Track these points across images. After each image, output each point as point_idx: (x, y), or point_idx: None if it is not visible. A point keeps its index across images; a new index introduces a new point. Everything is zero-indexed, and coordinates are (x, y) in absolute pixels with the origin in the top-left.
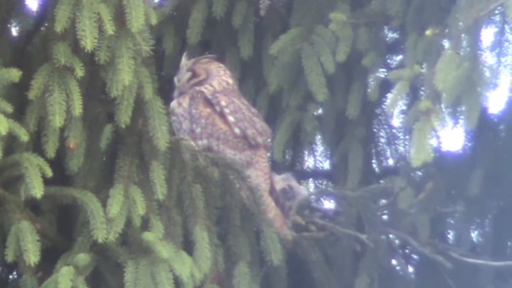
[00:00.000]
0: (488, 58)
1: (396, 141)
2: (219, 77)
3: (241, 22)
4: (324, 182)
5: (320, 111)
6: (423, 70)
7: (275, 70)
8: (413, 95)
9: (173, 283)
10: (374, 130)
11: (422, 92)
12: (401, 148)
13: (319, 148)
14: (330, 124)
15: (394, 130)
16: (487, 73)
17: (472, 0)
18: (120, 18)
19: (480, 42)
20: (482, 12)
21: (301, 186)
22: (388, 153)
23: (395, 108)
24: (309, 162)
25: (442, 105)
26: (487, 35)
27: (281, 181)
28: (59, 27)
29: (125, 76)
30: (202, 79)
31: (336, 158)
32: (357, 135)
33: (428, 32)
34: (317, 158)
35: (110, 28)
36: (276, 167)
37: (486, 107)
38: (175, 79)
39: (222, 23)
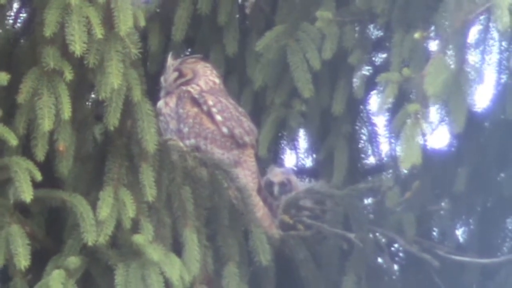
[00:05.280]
0: (472, 56)
1: (378, 139)
2: (206, 77)
3: (226, 19)
4: (307, 179)
5: (304, 107)
6: (409, 72)
7: (260, 67)
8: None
9: (163, 286)
10: (357, 127)
11: (409, 94)
12: (385, 147)
13: (302, 145)
14: (314, 121)
15: (376, 128)
16: (473, 75)
17: (460, 3)
18: (108, 21)
19: (467, 44)
20: (470, 15)
21: (300, 181)
22: (370, 151)
23: (383, 111)
24: (291, 159)
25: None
26: (472, 32)
27: (280, 174)
28: (48, 32)
29: (114, 80)
30: (189, 78)
31: (321, 155)
32: (342, 132)
33: (417, 35)
34: (300, 155)
35: (99, 32)
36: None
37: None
38: (162, 78)
39: (207, 20)
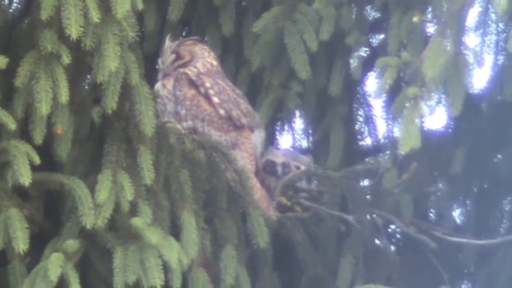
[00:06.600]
0: (472, 38)
1: (375, 120)
2: (203, 59)
3: None
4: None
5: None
6: (408, 56)
7: (257, 48)
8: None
9: (162, 269)
10: (353, 109)
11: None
12: (382, 128)
13: (299, 126)
14: (311, 102)
15: (372, 110)
16: (471, 58)
17: None
18: (105, 4)
19: (465, 27)
20: None
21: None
22: (366, 133)
23: (382, 94)
24: (288, 140)
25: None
26: (470, 15)
27: (281, 155)
28: (44, 15)
29: (111, 63)
30: (186, 61)
31: (317, 136)
32: (339, 113)
33: (415, 19)
34: (296, 136)
35: (95, 16)
36: None
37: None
38: (159, 61)
39: (204, 0)
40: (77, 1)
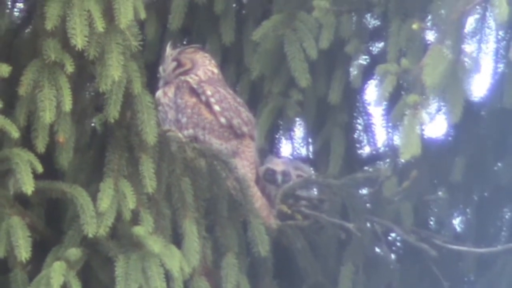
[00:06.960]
0: (469, 45)
1: (374, 129)
2: (205, 67)
3: (222, 8)
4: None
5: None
6: (407, 63)
7: (257, 56)
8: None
9: (163, 278)
10: (353, 117)
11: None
12: (382, 136)
13: (299, 134)
14: (311, 110)
15: (372, 118)
16: (469, 65)
17: None
18: (108, 13)
19: (464, 35)
20: (468, 5)
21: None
22: (366, 141)
23: (382, 102)
24: (288, 148)
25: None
26: (468, 21)
27: (281, 163)
28: (49, 25)
29: (114, 72)
30: (188, 69)
31: (318, 144)
32: (339, 122)
33: (414, 26)
34: (296, 145)
35: (100, 26)
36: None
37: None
38: (160, 69)
39: (204, 9)
40: (82, 11)
